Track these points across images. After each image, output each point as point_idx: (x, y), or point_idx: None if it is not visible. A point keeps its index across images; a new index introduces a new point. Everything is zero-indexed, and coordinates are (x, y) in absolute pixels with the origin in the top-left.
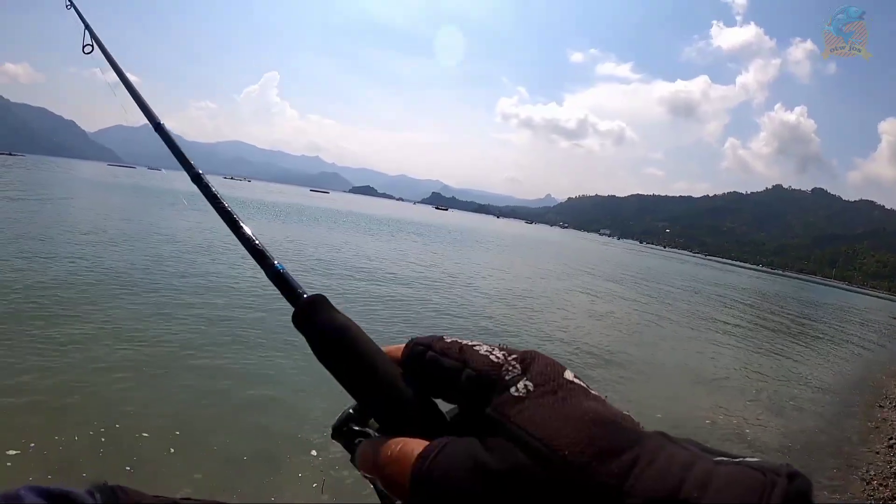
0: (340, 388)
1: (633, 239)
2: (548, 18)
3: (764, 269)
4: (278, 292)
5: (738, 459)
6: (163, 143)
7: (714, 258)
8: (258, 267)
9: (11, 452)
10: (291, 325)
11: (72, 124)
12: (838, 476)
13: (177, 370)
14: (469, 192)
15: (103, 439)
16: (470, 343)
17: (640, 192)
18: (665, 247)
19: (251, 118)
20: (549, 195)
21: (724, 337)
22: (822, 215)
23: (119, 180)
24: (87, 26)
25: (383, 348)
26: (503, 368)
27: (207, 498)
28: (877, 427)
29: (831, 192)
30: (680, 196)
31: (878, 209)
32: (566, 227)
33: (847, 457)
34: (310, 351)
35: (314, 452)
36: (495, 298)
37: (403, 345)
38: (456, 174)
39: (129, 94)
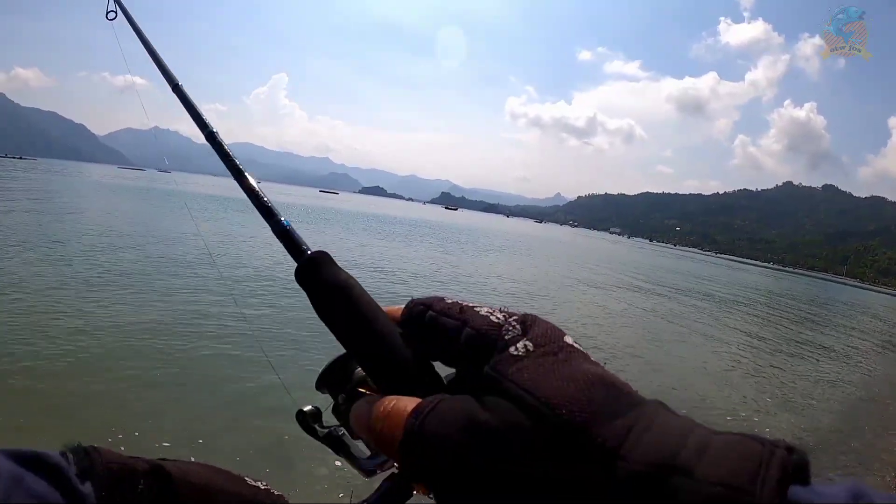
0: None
1: (642, 237)
2: (555, 17)
3: (775, 266)
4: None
5: (735, 433)
6: (181, 104)
7: (725, 256)
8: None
9: None
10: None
11: (81, 128)
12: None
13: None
14: (479, 191)
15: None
16: (471, 304)
17: (650, 190)
18: (675, 245)
19: (260, 120)
20: (558, 194)
21: (744, 337)
22: (834, 212)
23: (151, 184)
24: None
25: (384, 308)
26: (503, 328)
27: (186, 459)
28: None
29: (842, 189)
30: (690, 194)
31: (890, 205)
32: (576, 226)
33: (859, 453)
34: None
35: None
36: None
37: (403, 305)
38: (465, 174)
39: (151, 60)
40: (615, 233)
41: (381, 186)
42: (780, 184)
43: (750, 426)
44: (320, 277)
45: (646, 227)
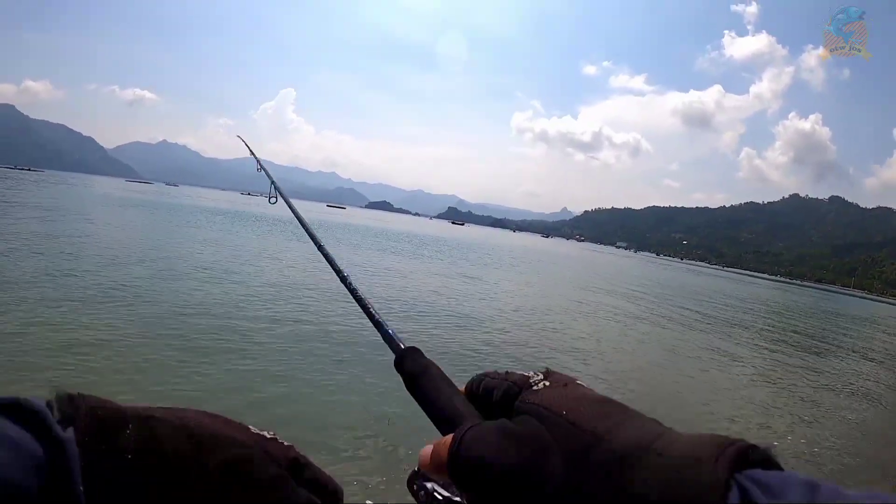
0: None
1: (649, 251)
2: (559, 32)
3: (783, 279)
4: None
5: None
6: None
7: (732, 269)
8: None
9: None
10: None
11: (90, 140)
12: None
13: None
14: (485, 206)
15: None
16: (514, 371)
17: (657, 204)
18: (682, 259)
19: (268, 135)
20: (565, 208)
21: (756, 351)
22: (840, 224)
23: (163, 199)
24: (272, 182)
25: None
26: (531, 378)
27: (183, 406)
28: None
29: (849, 200)
30: (696, 207)
31: None
32: (583, 240)
33: (882, 467)
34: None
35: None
36: (502, 323)
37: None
38: (472, 189)
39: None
40: (622, 247)
41: (387, 201)
42: (786, 196)
43: (770, 439)
44: (409, 366)
45: (652, 240)
